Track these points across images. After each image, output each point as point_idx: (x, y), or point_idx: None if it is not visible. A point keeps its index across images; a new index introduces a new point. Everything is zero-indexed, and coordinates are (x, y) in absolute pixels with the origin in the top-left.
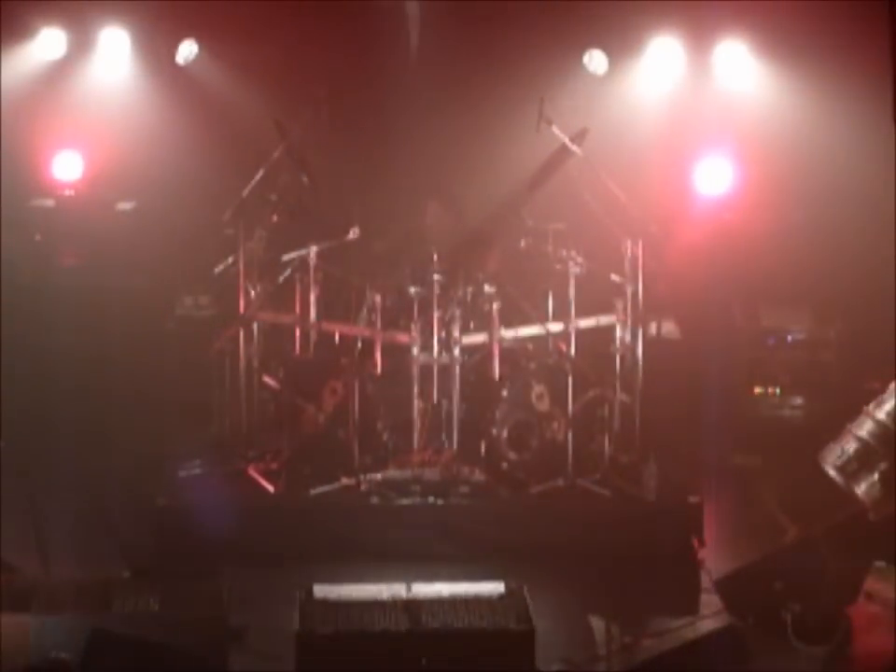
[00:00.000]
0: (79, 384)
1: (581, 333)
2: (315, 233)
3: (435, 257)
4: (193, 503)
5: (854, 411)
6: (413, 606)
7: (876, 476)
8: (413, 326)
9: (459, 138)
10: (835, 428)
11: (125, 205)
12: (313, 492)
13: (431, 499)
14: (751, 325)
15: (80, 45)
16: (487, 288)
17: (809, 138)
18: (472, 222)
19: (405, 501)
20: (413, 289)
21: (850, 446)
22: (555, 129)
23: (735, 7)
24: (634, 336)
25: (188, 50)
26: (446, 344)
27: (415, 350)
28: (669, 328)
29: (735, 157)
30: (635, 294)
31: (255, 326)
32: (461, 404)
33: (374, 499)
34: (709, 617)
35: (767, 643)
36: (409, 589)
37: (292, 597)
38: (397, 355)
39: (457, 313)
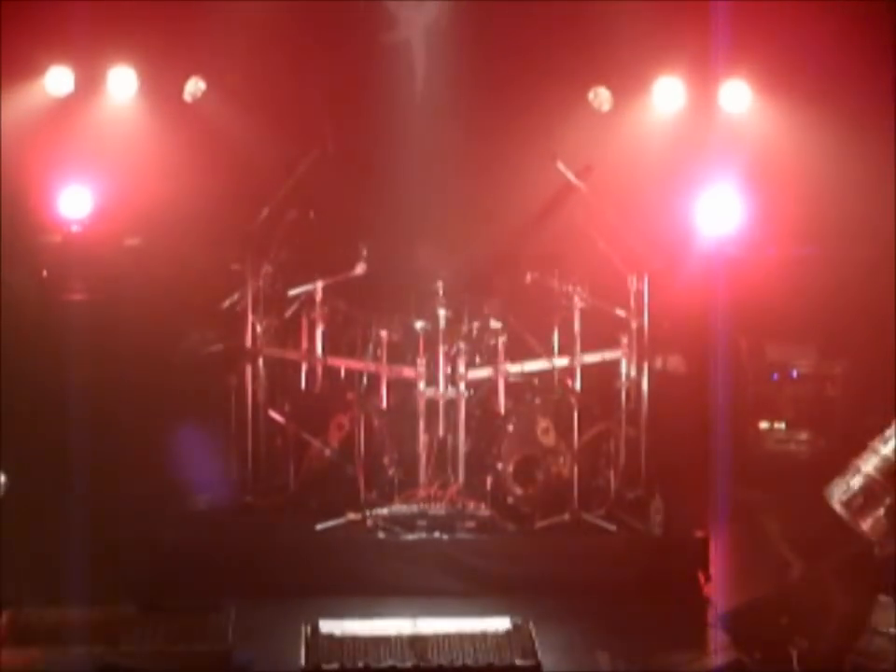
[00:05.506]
0: (86, 419)
1: (586, 368)
2: (321, 269)
3: (441, 291)
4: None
5: (859, 446)
6: (418, 641)
7: (882, 511)
8: (418, 360)
9: (465, 173)
10: (841, 463)
11: (132, 241)
12: (319, 527)
13: (437, 534)
14: (757, 360)
15: (88, 82)
16: (493, 323)
17: (814, 174)
18: (478, 257)
19: (411, 536)
20: (418, 324)
21: (856, 481)
22: (560, 165)
23: (738, 46)
24: (639, 371)
25: (194, 87)
26: (452, 379)
27: (421, 385)
28: (674, 362)
29: (739, 192)
30: (640, 329)
31: (261, 360)
32: (467, 439)
33: (380, 534)
34: (716, 652)
35: None
36: (415, 624)
37: (298, 632)
38: (403, 389)
39: (463, 347)
